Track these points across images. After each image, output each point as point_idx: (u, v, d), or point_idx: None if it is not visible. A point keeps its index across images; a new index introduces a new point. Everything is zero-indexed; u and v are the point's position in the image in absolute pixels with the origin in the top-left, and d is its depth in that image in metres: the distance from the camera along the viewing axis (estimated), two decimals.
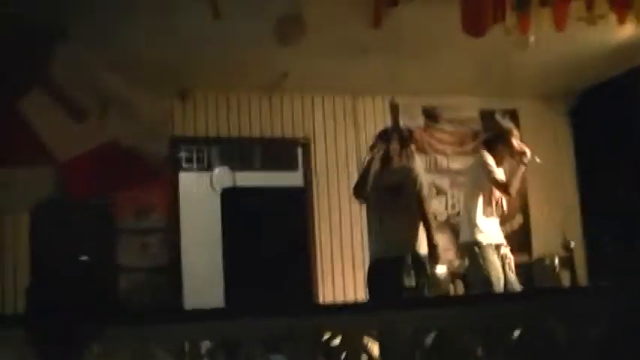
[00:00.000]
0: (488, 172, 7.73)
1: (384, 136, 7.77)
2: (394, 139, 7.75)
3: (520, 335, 5.29)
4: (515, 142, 7.90)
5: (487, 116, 10.87)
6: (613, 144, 10.67)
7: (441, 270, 8.75)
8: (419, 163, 8.31)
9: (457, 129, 10.77)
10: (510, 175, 7.80)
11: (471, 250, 7.76)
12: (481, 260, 7.63)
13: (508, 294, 7.18)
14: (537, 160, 7.86)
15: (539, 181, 10.98)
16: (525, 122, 11.10)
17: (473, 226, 7.74)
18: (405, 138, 7.90)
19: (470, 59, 9.14)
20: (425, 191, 7.68)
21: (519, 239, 10.67)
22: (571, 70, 9.92)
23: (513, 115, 11.07)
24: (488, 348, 5.21)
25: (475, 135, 10.78)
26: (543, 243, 10.65)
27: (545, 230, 10.76)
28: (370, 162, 7.56)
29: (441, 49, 8.67)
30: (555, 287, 9.05)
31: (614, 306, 5.49)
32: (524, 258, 10.53)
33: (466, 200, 8.09)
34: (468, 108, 10.93)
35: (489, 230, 7.76)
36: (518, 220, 10.83)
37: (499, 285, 7.51)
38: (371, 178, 7.51)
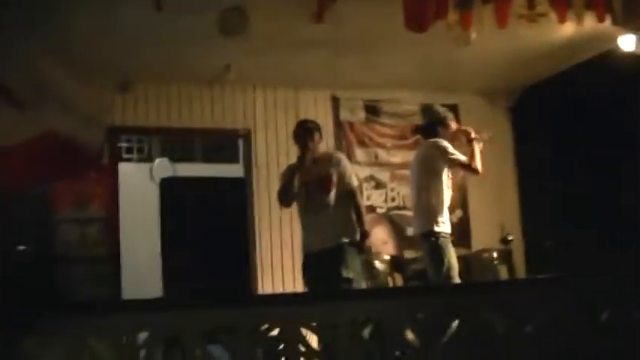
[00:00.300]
0: (450, 156, 7.71)
1: (299, 133, 7.81)
2: (309, 132, 7.75)
3: (458, 327, 5.35)
4: (453, 125, 7.98)
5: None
6: (552, 139, 10.81)
7: (379, 261, 8.82)
8: (340, 153, 8.39)
9: (398, 123, 10.84)
10: (470, 154, 7.77)
11: (433, 241, 7.68)
12: (446, 251, 7.64)
13: (446, 286, 7.25)
14: (486, 136, 7.90)
15: (480, 176, 11.08)
16: (466, 117, 11.19)
17: (435, 215, 7.68)
18: (312, 129, 7.82)
19: (412, 54, 9.20)
20: (354, 181, 7.72)
21: (459, 233, 10.78)
22: (512, 67, 10.03)
23: (454, 110, 11.15)
24: (426, 340, 5.26)
25: (415, 129, 10.84)
26: (482, 237, 10.75)
27: (484, 224, 10.86)
28: (290, 170, 7.60)
29: (383, 43, 8.72)
30: (494, 280, 9.14)
31: (551, 299, 5.58)
32: (463, 251, 10.65)
33: (419, 190, 7.92)
34: (409, 102, 10.99)
35: (447, 220, 7.76)
36: (458, 214, 10.91)
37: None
38: (293, 185, 7.52)
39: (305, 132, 7.73)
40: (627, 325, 5.63)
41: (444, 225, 7.67)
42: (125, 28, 7.73)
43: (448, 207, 7.88)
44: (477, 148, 7.79)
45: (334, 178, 7.53)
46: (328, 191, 7.51)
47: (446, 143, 7.74)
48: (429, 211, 7.72)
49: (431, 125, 8.04)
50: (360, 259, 7.53)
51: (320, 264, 7.41)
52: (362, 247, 7.52)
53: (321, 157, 7.76)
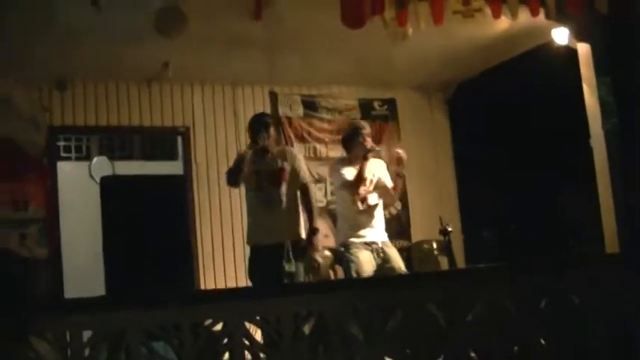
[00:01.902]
0: (338, 177, 8.06)
1: (256, 125, 7.87)
2: (264, 126, 7.83)
3: (400, 318, 5.42)
4: (368, 139, 8.15)
5: (365, 105, 11.04)
6: (488, 132, 10.95)
7: (321, 256, 8.88)
8: (295, 150, 8.52)
9: (336, 118, 10.89)
10: (357, 174, 7.96)
11: (341, 250, 8.09)
12: (349, 259, 7.88)
13: (387, 278, 7.31)
14: (377, 148, 8.23)
15: (418, 169, 11.19)
16: (403, 111, 11.32)
17: (344, 225, 8.11)
18: (267, 123, 7.92)
19: (349, 50, 9.24)
20: (308, 178, 7.81)
21: (399, 225, 10.87)
22: (448, 61, 10.12)
23: (392, 105, 11.26)
24: (368, 332, 5.32)
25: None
26: (422, 228, 10.84)
27: (423, 216, 10.95)
28: (245, 152, 7.63)
29: (321, 40, 8.75)
30: (434, 271, 9.23)
31: (491, 288, 5.66)
32: (403, 243, 10.74)
33: (336, 200, 8.53)
34: (347, 97, 11.06)
35: (360, 229, 7.97)
36: (397, 206, 10.99)
37: None
38: (244, 166, 7.58)
39: (260, 125, 7.80)
40: (566, 313, 5.74)
41: (350, 234, 7.95)
42: (62, 26, 7.66)
43: (371, 210, 8.11)
44: (366, 164, 7.96)
45: (287, 173, 7.61)
46: (279, 184, 7.59)
47: (337, 162, 8.28)
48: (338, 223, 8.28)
49: (348, 137, 8.33)
50: (305, 255, 7.63)
51: (267, 258, 7.44)
52: (311, 243, 7.59)
53: (276, 151, 7.85)
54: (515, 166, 10.92)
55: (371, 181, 8.06)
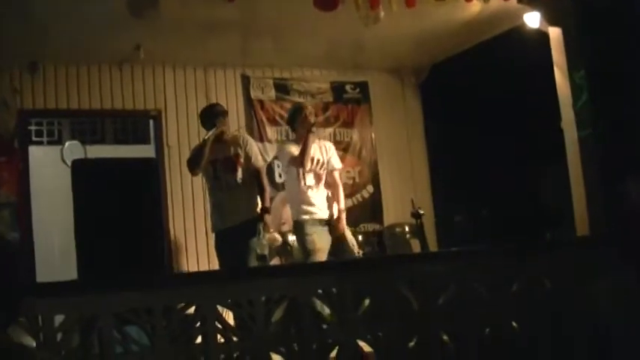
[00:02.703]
0: (285, 154, 8.24)
1: (215, 114, 8.04)
2: (221, 114, 8.09)
3: (372, 301, 5.44)
4: (310, 116, 8.24)
5: (337, 88, 11.03)
6: (460, 116, 10.97)
7: (292, 238, 8.90)
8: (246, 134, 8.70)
9: (308, 101, 10.88)
10: (302, 147, 8.08)
11: (296, 227, 8.20)
12: (304, 235, 8.01)
13: (360, 261, 7.34)
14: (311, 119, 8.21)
15: (390, 152, 11.22)
16: (375, 94, 11.33)
17: (295, 204, 8.21)
18: (222, 112, 8.20)
19: (321, 33, 9.25)
20: (259, 161, 8.04)
21: (371, 208, 10.89)
22: (421, 45, 10.15)
23: (364, 88, 11.27)
24: (340, 315, 5.34)
25: (326, 106, 10.93)
26: (394, 211, 10.87)
27: (395, 199, 10.99)
28: (206, 140, 7.74)
29: (293, 23, 8.75)
30: (405, 253, 9.26)
31: (463, 271, 5.69)
32: (375, 226, 10.76)
33: (286, 181, 8.65)
34: (319, 80, 11.06)
35: (311, 206, 8.09)
36: (369, 189, 11.02)
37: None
38: (205, 153, 7.77)
39: (213, 114, 8.05)
40: (537, 295, 5.78)
41: (302, 211, 8.06)
42: (33, 8, 7.61)
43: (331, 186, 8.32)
44: (310, 138, 8.06)
45: (241, 159, 7.73)
46: (235, 170, 7.76)
47: (285, 143, 8.64)
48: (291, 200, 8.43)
49: (291, 119, 8.50)
50: (266, 236, 7.77)
51: (232, 240, 7.59)
52: (262, 223, 7.72)
53: (228, 138, 8.02)
54: (487, 149, 10.93)
55: (318, 161, 8.19)
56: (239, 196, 7.84)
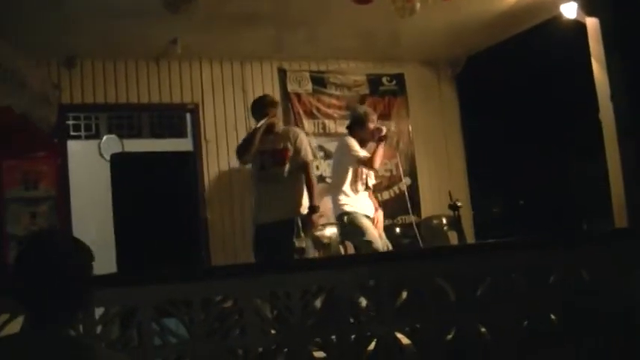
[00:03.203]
0: (352, 153, 8.28)
1: (266, 104, 7.98)
2: (271, 105, 8.08)
3: (410, 293, 5.45)
4: (371, 124, 8.48)
5: (374, 80, 11.03)
6: (497, 107, 10.94)
7: (330, 232, 8.92)
8: (298, 128, 8.65)
9: (344, 94, 10.88)
10: (372, 152, 8.29)
11: (341, 221, 8.35)
12: (352, 227, 8.19)
13: (397, 253, 7.35)
14: (384, 130, 8.46)
15: (427, 144, 11.19)
16: (412, 86, 11.30)
17: (341, 200, 8.33)
18: (276, 103, 8.34)
19: (357, 26, 9.24)
20: (308, 155, 7.91)
21: (409, 200, 10.89)
22: (456, 36, 10.09)
23: (400, 80, 11.25)
24: (379, 308, 5.35)
25: (362, 99, 10.92)
26: (432, 204, 10.85)
27: (433, 191, 10.96)
28: (258, 128, 7.70)
29: (328, 15, 8.74)
30: (442, 245, 9.24)
31: (500, 263, 5.68)
32: (414, 218, 10.75)
33: (333, 178, 8.82)
34: (355, 73, 11.04)
35: (358, 203, 8.32)
36: (407, 181, 11.00)
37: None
38: (255, 142, 7.67)
39: (264, 105, 8.01)
40: (575, 288, 5.75)
41: (350, 207, 8.30)
42: (70, 3, 7.66)
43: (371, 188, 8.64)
44: (381, 146, 8.31)
45: (290, 152, 7.68)
46: (283, 164, 7.69)
47: (352, 141, 8.38)
48: (334, 199, 8.50)
49: (352, 124, 8.65)
50: (310, 232, 7.73)
51: (271, 236, 7.55)
52: (310, 220, 7.66)
53: (279, 131, 7.96)
54: (524, 141, 10.92)
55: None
56: (284, 190, 7.76)
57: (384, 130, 8.42)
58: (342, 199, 8.30)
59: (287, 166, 7.75)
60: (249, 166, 8.22)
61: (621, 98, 7.88)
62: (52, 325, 2.84)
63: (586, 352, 5.54)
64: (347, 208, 8.24)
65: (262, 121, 7.74)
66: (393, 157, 10.45)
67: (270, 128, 7.82)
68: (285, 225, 7.54)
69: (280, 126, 8.10)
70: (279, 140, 7.84)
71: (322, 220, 8.94)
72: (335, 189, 8.49)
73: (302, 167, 7.83)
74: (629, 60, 7.76)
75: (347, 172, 8.32)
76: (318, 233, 8.48)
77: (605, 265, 5.82)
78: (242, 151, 7.90)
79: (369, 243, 7.97)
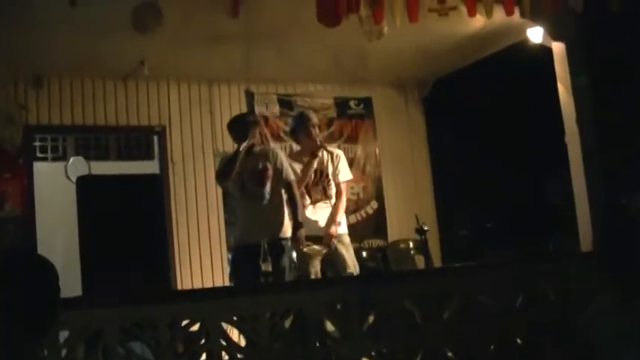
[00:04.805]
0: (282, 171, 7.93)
1: (245, 122, 7.92)
2: (252, 124, 7.93)
3: (376, 317, 5.44)
4: (314, 132, 8.22)
5: (341, 104, 11.05)
6: (464, 130, 10.99)
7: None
8: (276, 148, 8.55)
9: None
10: (302, 170, 8.09)
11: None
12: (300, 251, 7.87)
13: (364, 277, 7.34)
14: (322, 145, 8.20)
15: (394, 167, 11.22)
16: (379, 109, 11.33)
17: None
18: (256, 122, 8.13)
19: (325, 49, 9.26)
20: (290, 175, 7.86)
21: (375, 224, 10.88)
22: (424, 59, 10.15)
23: (368, 103, 11.28)
24: (345, 330, 5.34)
25: (330, 122, 10.93)
26: (398, 227, 10.85)
27: (399, 215, 10.96)
28: (240, 151, 7.64)
29: (297, 38, 8.76)
30: (410, 269, 9.26)
31: (467, 286, 5.70)
32: (380, 242, 10.75)
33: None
34: (323, 96, 11.06)
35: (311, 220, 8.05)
36: (373, 205, 11.00)
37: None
38: (236, 164, 7.61)
39: (246, 125, 7.89)
40: (542, 309, 5.78)
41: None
42: (38, 22, 7.62)
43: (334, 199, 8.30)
44: (313, 164, 8.10)
45: (269, 172, 7.63)
46: (263, 184, 7.62)
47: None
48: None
49: (295, 128, 8.46)
50: (293, 252, 7.69)
51: (251, 257, 7.39)
52: (296, 239, 7.61)
53: (257, 151, 7.87)
54: (491, 163, 10.97)
55: (322, 173, 8.20)
56: (266, 211, 7.69)
57: (318, 139, 8.21)
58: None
59: (267, 187, 7.69)
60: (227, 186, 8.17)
61: (586, 121, 7.95)
62: (27, 345, 2.81)
63: None
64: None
65: (244, 144, 7.68)
66: (361, 181, 10.47)
67: (248, 149, 7.75)
68: (273, 246, 7.42)
69: (258, 146, 8.01)
70: (258, 160, 7.76)
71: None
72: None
73: (285, 187, 7.79)
74: (595, 84, 7.83)
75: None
76: (306, 249, 8.41)
77: (571, 288, 5.84)
78: (224, 174, 7.78)
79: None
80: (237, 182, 7.79)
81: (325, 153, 8.20)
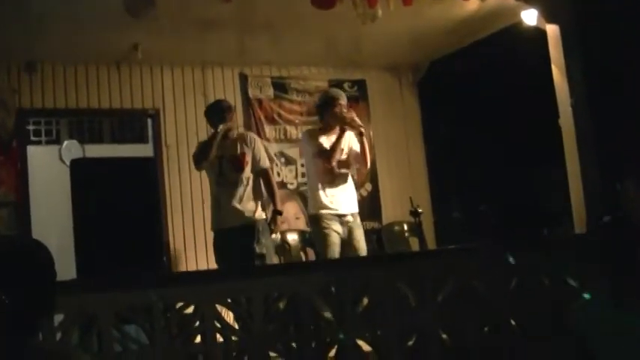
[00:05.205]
0: (312, 145, 7.87)
1: (223, 109, 7.92)
2: (227, 110, 7.94)
3: (371, 299, 5.45)
4: (337, 109, 7.93)
5: (335, 86, 11.02)
6: (458, 113, 10.98)
7: (291, 237, 8.90)
8: (252, 133, 8.57)
9: (306, 99, 10.87)
10: (334, 143, 7.81)
11: (313, 221, 7.94)
12: (320, 230, 7.75)
13: (357, 259, 7.33)
14: (353, 118, 7.94)
15: (388, 150, 11.21)
16: (373, 92, 11.32)
17: (313, 197, 7.89)
18: (232, 108, 8.14)
19: (319, 31, 9.24)
20: (266, 162, 7.91)
21: (369, 206, 10.87)
22: (418, 42, 10.13)
23: (362, 86, 11.26)
24: (339, 312, 5.34)
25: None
26: (392, 210, 10.86)
27: (394, 197, 10.96)
28: (216, 134, 7.66)
29: (291, 21, 8.73)
30: (404, 251, 9.27)
31: (462, 268, 5.70)
32: (374, 224, 10.75)
33: (307, 172, 8.34)
34: (317, 79, 11.04)
35: (329, 201, 7.82)
36: (368, 187, 11.00)
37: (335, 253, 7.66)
38: (213, 148, 7.63)
39: (221, 110, 7.89)
40: (536, 292, 5.79)
41: (321, 205, 7.77)
42: (30, 7, 7.60)
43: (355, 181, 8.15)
44: (344, 137, 7.83)
45: (248, 157, 7.65)
46: (241, 170, 7.65)
47: (309, 133, 8.07)
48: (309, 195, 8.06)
49: (320, 106, 8.19)
50: (271, 236, 7.71)
51: (231, 241, 7.53)
52: (274, 224, 7.64)
53: (235, 136, 7.89)
54: (485, 146, 10.96)
55: (346, 152, 7.96)
56: (243, 196, 7.70)
57: (353, 118, 7.92)
58: (312, 197, 7.90)
59: (245, 172, 7.73)
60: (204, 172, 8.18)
61: (581, 104, 7.95)
62: (28, 334, 2.81)
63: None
64: (312, 210, 7.90)
65: (221, 127, 7.69)
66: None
67: (226, 133, 7.76)
68: (245, 230, 7.52)
69: (235, 131, 8.03)
70: (235, 145, 7.80)
71: (284, 226, 8.91)
72: (309, 186, 8.14)
73: (261, 174, 7.83)
74: (589, 66, 7.83)
75: (313, 166, 7.93)
76: (277, 237, 8.40)
77: (564, 271, 5.85)
78: (200, 157, 7.82)
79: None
80: (214, 167, 7.82)
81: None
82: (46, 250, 2.93)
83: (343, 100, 8.04)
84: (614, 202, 7.15)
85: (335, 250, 7.63)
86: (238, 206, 7.65)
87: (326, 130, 7.95)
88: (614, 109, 7.64)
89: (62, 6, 7.56)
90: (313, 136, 7.95)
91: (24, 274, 2.82)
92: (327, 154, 7.75)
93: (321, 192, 7.80)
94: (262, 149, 7.92)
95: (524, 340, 5.63)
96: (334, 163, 7.79)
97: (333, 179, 7.84)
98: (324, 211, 7.76)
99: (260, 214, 7.71)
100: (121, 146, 11.11)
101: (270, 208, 7.74)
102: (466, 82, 10.76)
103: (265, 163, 7.88)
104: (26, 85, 9.39)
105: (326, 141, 7.84)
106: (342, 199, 7.86)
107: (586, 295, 4.25)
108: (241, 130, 8.64)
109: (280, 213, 7.80)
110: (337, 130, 7.81)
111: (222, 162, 7.76)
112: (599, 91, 7.76)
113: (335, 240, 7.68)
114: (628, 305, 3.86)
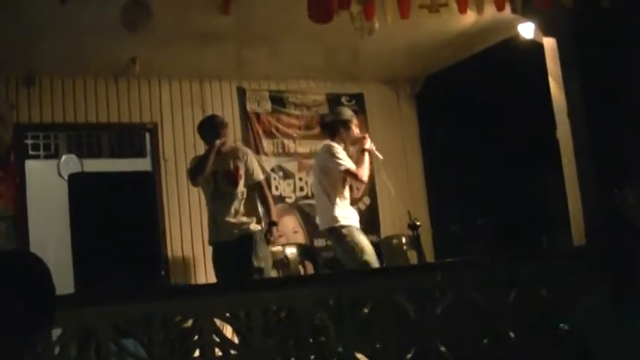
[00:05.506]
0: (338, 165, 7.73)
1: (217, 125, 8.01)
2: (221, 126, 8.04)
3: (370, 312, 5.44)
4: (356, 129, 8.08)
5: (333, 100, 11.03)
6: (455, 126, 11.00)
7: (290, 251, 8.91)
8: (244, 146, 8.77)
9: (304, 113, 10.88)
10: (357, 163, 7.83)
11: (338, 235, 7.75)
12: (353, 241, 7.65)
13: (356, 272, 7.33)
14: (368, 141, 8.02)
15: (386, 163, 11.20)
16: (371, 105, 11.33)
17: (335, 212, 7.75)
18: (222, 123, 8.16)
19: (317, 45, 9.26)
20: (259, 175, 8.02)
21: (368, 220, 10.87)
22: (416, 56, 10.14)
23: (360, 99, 11.27)
24: (338, 325, 5.34)
25: (322, 118, 10.92)
26: (391, 223, 10.85)
27: (392, 211, 10.96)
28: (211, 150, 7.71)
29: (289, 34, 8.75)
30: (403, 265, 9.27)
31: (460, 281, 5.70)
32: (372, 237, 10.75)
33: (319, 187, 8.04)
34: (315, 92, 11.05)
35: (352, 216, 7.87)
36: (366, 201, 11.00)
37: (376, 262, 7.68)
38: (209, 163, 7.73)
39: (215, 125, 7.99)
40: (534, 305, 5.79)
41: (344, 219, 7.72)
42: (29, 20, 7.61)
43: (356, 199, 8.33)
44: (367, 158, 7.90)
45: (241, 171, 7.70)
46: (236, 184, 7.69)
47: (337, 148, 7.85)
48: (325, 209, 7.88)
49: (333, 124, 8.13)
50: (268, 249, 7.73)
51: (230, 254, 7.57)
52: (270, 237, 7.67)
53: (227, 150, 7.95)
54: (483, 159, 10.98)
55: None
56: (238, 209, 7.78)
57: (369, 141, 8.02)
58: (336, 210, 7.72)
59: (240, 186, 7.81)
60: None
61: (578, 116, 7.97)
62: (28, 349, 2.80)
63: None
64: (344, 222, 7.71)
65: (217, 142, 7.74)
66: None
67: (219, 149, 7.83)
68: (242, 241, 7.55)
69: (227, 146, 8.08)
70: (229, 160, 7.87)
71: (282, 240, 8.91)
72: (324, 199, 7.88)
73: (255, 187, 7.95)
74: (586, 79, 7.85)
75: (338, 181, 7.79)
76: (275, 249, 8.41)
77: (562, 283, 5.85)
78: (195, 173, 7.92)
79: (367, 263, 7.53)
80: (210, 183, 7.90)
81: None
82: (43, 265, 2.93)
83: (356, 120, 8.17)
84: (612, 210, 7.17)
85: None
86: (234, 220, 7.73)
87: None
88: (610, 120, 7.66)
89: (61, 19, 7.57)
90: (342, 152, 7.86)
91: (22, 288, 2.81)
92: (360, 174, 7.79)
93: (347, 206, 7.86)
94: (255, 162, 8.01)
95: (524, 351, 5.63)
96: (365, 180, 7.95)
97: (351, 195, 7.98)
98: (353, 223, 7.79)
99: (255, 227, 7.75)
100: (119, 160, 11.10)
101: (266, 219, 7.80)
102: (464, 95, 10.78)
103: (259, 176, 7.99)
104: (24, 98, 9.39)
105: (347, 159, 7.83)
106: (356, 216, 7.97)
107: (588, 300, 4.26)
108: (233, 144, 8.64)
109: (276, 224, 7.88)
110: (348, 147, 7.92)
111: (216, 177, 7.84)
112: (596, 102, 7.78)
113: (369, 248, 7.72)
114: (628, 305, 3.87)
